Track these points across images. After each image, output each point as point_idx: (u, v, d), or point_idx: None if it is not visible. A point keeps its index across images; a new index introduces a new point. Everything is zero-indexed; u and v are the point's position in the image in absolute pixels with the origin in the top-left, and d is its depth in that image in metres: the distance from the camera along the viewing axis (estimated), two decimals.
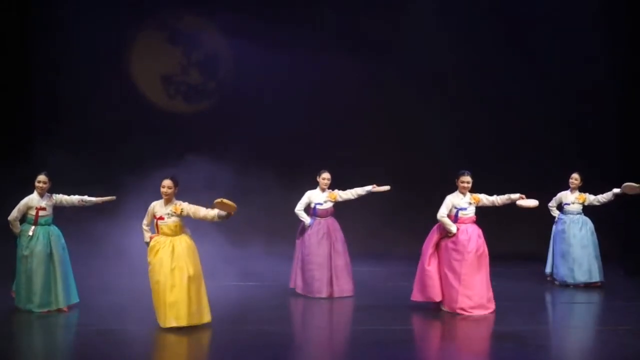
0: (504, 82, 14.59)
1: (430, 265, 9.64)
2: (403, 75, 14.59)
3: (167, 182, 8.81)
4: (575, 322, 9.89)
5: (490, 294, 9.63)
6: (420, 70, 14.56)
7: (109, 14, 14.06)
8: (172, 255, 8.65)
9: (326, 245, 10.57)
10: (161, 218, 8.80)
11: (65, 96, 14.11)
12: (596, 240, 11.60)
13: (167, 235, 8.80)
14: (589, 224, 11.65)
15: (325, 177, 10.66)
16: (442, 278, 9.64)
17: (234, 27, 14.40)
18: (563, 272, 11.55)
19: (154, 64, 14.57)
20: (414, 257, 10.09)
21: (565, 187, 11.80)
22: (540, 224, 12.29)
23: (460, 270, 9.48)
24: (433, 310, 9.70)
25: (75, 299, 9.70)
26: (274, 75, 14.51)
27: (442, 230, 9.70)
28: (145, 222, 8.94)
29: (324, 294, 10.46)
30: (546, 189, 11.86)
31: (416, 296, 9.84)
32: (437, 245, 9.73)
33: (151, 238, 8.84)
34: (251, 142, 14.13)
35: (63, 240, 9.69)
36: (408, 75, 14.58)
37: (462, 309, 9.46)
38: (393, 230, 13.54)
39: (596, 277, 11.49)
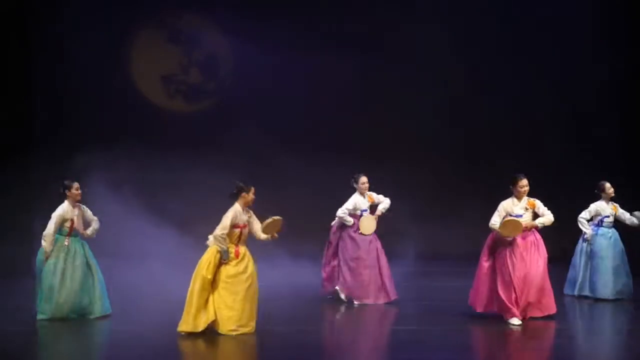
0: (504, 82, 14.59)
1: (485, 275, 9.15)
2: (406, 76, 14.57)
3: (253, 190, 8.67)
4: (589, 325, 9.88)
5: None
6: (423, 71, 14.55)
7: (109, 14, 14.02)
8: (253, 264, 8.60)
9: (374, 250, 10.31)
10: (245, 226, 8.62)
11: (64, 95, 14.07)
12: (625, 256, 10.80)
13: (244, 243, 8.67)
14: (617, 236, 10.80)
15: (363, 181, 10.31)
16: (502, 289, 9.01)
17: (234, 26, 14.38)
18: (602, 288, 10.57)
19: (154, 63, 14.55)
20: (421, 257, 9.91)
21: (566, 189, 11.64)
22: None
23: (520, 281, 8.91)
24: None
25: (109, 309, 9.39)
26: (274, 74, 14.48)
27: (497, 239, 9.10)
28: (225, 231, 8.46)
29: (376, 300, 10.21)
30: (546, 189, 11.87)
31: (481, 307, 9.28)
32: (494, 255, 9.15)
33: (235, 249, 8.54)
34: (251, 142, 14.11)
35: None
36: (411, 75, 14.57)
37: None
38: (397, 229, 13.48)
39: (627, 293, 10.68)
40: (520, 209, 9.06)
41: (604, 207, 10.72)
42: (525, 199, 9.08)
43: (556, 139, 14.67)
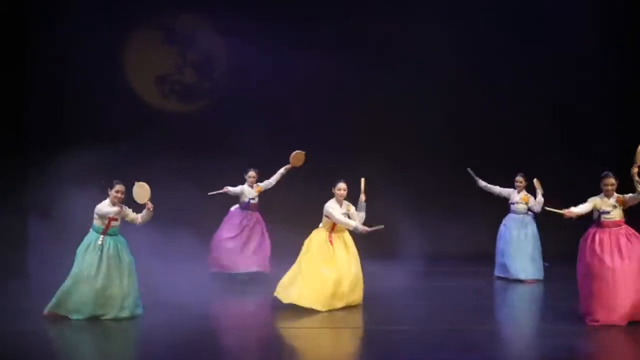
0: (505, 82, 14.55)
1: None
2: (406, 76, 14.49)
3: (343, 185, 9.84)
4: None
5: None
6: (423, 71, 14.47)
7: (109, 14, 13.96)
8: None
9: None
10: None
11: (59, 95, 14.00)
12: (538, 241, 12.06)
13: (342, 231, 9.92)
14: (533, 225, 12.11)
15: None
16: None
17: (230, 26, 14.32)
18: (508, 268, 11.98)
19: (153, 63, 14.47)
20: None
21: (565, 183, 11.74)
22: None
23: None
24: None
25: (139, 310, 9.36)
26: (273, 74, 14.42)
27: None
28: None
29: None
30: (546, 188, 11.84)
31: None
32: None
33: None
34: (249, 142, 14.04)
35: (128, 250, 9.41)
36: (411, 74, 14.49)
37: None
38: (397, 229, 13.40)
39: (533, 275, 11.96)
40: (609, 206, 9.09)
41: (513, 194, 12.18)
42: (615, 195, 9.11)
43: (556, 139, 14.62)
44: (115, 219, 9.23)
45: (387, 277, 11.83)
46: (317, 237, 9.91)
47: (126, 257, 9.27)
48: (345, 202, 9.88)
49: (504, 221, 12.24)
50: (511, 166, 13.97)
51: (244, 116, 14.20)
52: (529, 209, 12.10)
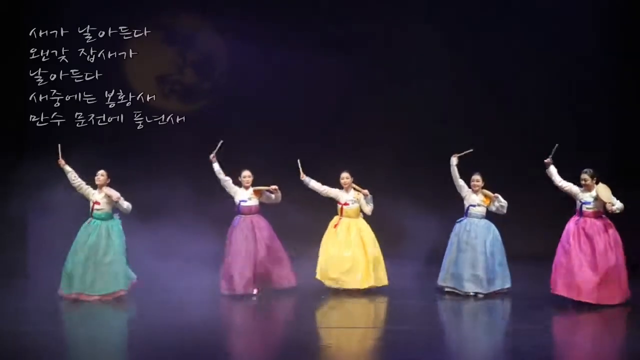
0: (503, 79, 14.56)
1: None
2: (407, 76, 14.50)
3: (345, 174, 10.95)
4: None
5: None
6: (424, 70, 14.48)
7: (109, 14, 13.94)
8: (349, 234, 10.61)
9: (251, 241, 10.69)
10: (346, 204, 10.85)
11: (57, 95, 13.96)
12: (501, 247, 11.00)
13: (350, 217, 10.82)
14: (492, 228, 11.11)
15: (245, 174, 11.04)
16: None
17: (230, 26, 14.31)
18: (457, 279, 10.89)
19: (152, 64, 14.46)
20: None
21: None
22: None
23: None
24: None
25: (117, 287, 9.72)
26: (273, 74, 14.41)
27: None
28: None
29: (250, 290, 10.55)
30: (542, 183, 11.84)
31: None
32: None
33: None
34: (247, 142, 14.04)
35: (116, 235, 9.72)
36: (412, 75, 14.49)
37: None
38: (397, 230, 13.40)
39: (499, 285, 10.84)
40: (590, 197, 10.36)
41: (469, 196, 11.19)
42: (594, 191, 10.33)
43: (556, 139, 14.59)
44: (98, 203, 9.42)
45: (389, 277, 11.85)
46: (330, 223, 10.95)
47: (103, 240, 9.56)
48: (353, 192, 10.66)
49: (460, 226, 11.15)
50: (511, 166, 14.03)
51: (244, 116, 14.21)
52: (488, 211, 11.10)
